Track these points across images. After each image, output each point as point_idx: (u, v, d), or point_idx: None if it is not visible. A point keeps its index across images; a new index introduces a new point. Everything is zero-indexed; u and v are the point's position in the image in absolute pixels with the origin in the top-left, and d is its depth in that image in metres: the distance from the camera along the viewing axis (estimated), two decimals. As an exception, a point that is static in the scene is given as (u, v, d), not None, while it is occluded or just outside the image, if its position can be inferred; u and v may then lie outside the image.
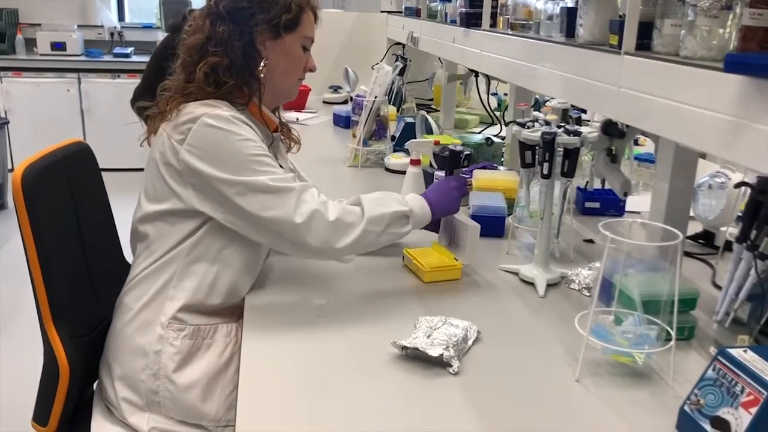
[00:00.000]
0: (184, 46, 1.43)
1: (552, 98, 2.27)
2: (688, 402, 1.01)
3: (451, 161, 1.66)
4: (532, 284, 1.53)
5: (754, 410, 0.91)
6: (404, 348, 1.20)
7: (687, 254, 1.74)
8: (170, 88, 1.43)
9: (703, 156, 1.99)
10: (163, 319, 1.36)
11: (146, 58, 5.63)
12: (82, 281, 1.50)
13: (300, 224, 1.31)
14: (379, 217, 1.39)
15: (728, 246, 1.35)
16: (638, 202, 2.05)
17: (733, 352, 0.99)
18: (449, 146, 1.70)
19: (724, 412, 0.94)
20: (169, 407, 1.35)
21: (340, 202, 1.42)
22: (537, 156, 1.49)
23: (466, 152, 1.66)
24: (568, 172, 1.47)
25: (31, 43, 5.55)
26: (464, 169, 1.70)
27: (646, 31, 1.26)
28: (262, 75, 1.42)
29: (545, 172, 1.47)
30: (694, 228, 1.86)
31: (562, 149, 1.46)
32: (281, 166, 1.46)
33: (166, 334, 1.36)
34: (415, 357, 1.20)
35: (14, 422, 2.32)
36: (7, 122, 5.00)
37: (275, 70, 1.44)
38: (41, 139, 1.64)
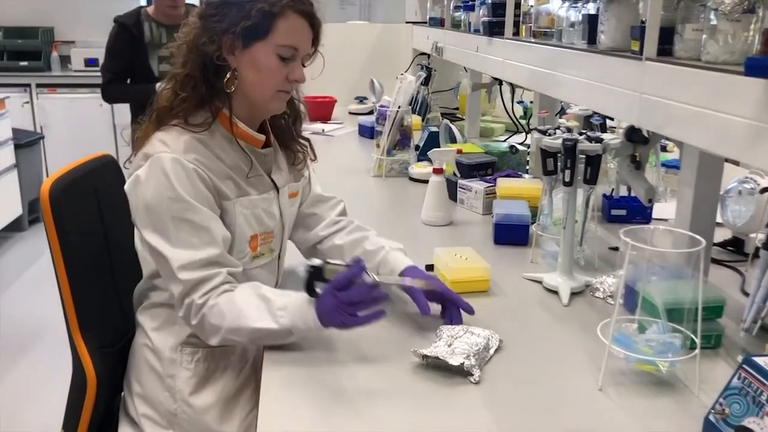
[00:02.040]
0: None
1: (574, 105, 2.25)
2: (713, 411, 0.99)
3: (308, 284, 1.24)
4: (556, 293, 1.52)
5: (780, 420, 0.89)
6: (425, 357, 1.20)
7: (716, 261, 1.71)
8: None
9: (737, 162, 1.96)
10: (175, 343, 1.36)
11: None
12: (108, 292, 1.52)
13: (181, 316, 1.27)
14: (237, 329, 1.22)
15: (758, 253, 1.32)
16: (666, 209, 2.02)
17: (759, 360, 0.96)
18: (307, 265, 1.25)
19: (750, 422, 0.92)
20: (189, 428, 1.36)
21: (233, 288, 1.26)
22: (559, 163, 1.48)
23: (320, 265, 1.23)
24: (591, 179, 1.45)
25: (65, 60, 5.67)
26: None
27: (667, 36, 1.25)
28: (233, 87, 1.31)
29: (567, 179, 1.46)
30: (724, 235, 1.83)
31: (584, 156, 1.45)
32: (274, 183, 1.40)
33: (180, 359, 1.36)
34: (436, 366, 1.19)
35: (48, 429, 2.37)
36: (43, 137, 5.12)
37: (245, 81, 1.31)
38: (75, 154, 1.66)
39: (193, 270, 1.23)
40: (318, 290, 1.22)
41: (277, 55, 1.30)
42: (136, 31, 3.15)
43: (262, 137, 1.39)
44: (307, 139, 1.54)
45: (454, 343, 1.21)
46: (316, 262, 1.23)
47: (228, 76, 1.30)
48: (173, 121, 1.32)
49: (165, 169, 1.24)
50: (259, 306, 1.23)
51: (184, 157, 1.26)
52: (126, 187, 1.30)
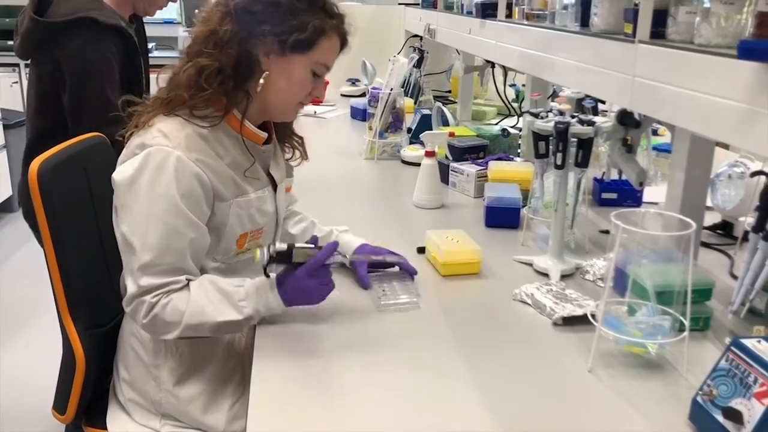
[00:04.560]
0: (191, 34, 1.31)
1: (567, 88, 2.25)
2: (700, 392, 1.00)
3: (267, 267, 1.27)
4: (546, 275, 1.52)
5: (766, 401, 0.90)
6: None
7: (705, 245, 1.72)
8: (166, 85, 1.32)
9: (726, 146, 1.96)
10: None
11: (167, 54, 5.71)
12: (99, 274, 1.51)
13: (128, 311, 1.25)
14: (198, 325, 1.22)
15: (747, 236, 1.33)
16: (656, 192, 2.02)
17: (747, 342, 0.97)
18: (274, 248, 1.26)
19: (737, 403, 0.93)
20: (175, 417, 1.36)
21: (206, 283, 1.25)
22: (550, 146, 1.49)
23: (288, 249, 1.25)
24: (582, 163, 1.46)
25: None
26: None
27: (660, 18, 1.25)
28: (258, 89, 1.28)
29: (559, 162, 1.46)
30: (713, 218, 1.83)
31: (575, 139, 1.45)
32: (271, 177, 1.40)
33: (165, 349, 1.35)
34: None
35: (40, 409, 2.36)
36: (31, 118, 5.06)
37: (273, 87, 1.29)
38: (68, 136, 1.63)
39: (154, 275, 1.21)
40: (271, 273, 1.22)
41: (311, 71, 1.30)
42: (130, 37, 2.06)
43: (265, 135, 1.37)
44: (301, 138, 1.52)
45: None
46: (283, 246, 1.22)
47: (262, 79, 1.27)
48: (177, 110, 1.27)
49: (162, 164, 1.21)
50: (220, 300, 1.23)
51: (187, 155, 1.22)
52: (115, 174, 1.26)
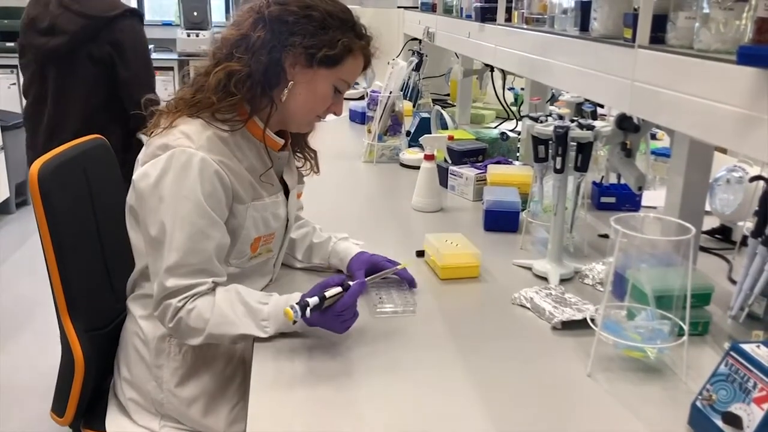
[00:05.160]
0: (218, 37, 1.32)
1: (566, 92, 2.26)
2: (700, 397, 1.00)
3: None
4: (545, 279, 1.52)
5: (766, 406, 0.90)
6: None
7: (704, 249, 1.72)
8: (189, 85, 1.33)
9: (724, 151, 1.97)
10: (163, 333, 1.34)
11: (166, 56, 5.72)
12: (98, 275, 1.52)
13: (156, 315, 1.27)
14: (220, 335, 1.24)
15: (745, 241, 1.33)
16: (655, 197, 2.03)
17: (746, 347, 0.98)
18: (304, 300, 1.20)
19: (736, 408, 0.94)
20: (175, 417, 1.36)
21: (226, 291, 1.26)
22: (550, 150, 1.49)
23: (319, 302, 1.19)
24: (582, 167, 1.46)
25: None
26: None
27: (660, 24, 1.25)
28: (282, 98, 1.29)
29: (558, 166, 1.46)
30: (712, 223, 1.84)
31: (575, 143, 1.45)
32: (285, 185, 1.42)
33: (168, 349, 1.35)
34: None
35: (37, 412, 2.36)
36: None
37: (296, 98, 1.30)
38: (67, 138, 1.64)
39: (181, 277, 1.22)
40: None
41: (334, 86, 1.33)
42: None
43: (282, 141, 1.38)
44: (315, 151, 1.53)
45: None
46: (315, 300, 1.19)
47: (287, 89, 1.28)
48: (200, 113, 1.28)
49: (186, 164, 1.21)
50: (244, 313, 1.23)
51: (210, 156, 1.23)
52: (136, 176, 1.26)
